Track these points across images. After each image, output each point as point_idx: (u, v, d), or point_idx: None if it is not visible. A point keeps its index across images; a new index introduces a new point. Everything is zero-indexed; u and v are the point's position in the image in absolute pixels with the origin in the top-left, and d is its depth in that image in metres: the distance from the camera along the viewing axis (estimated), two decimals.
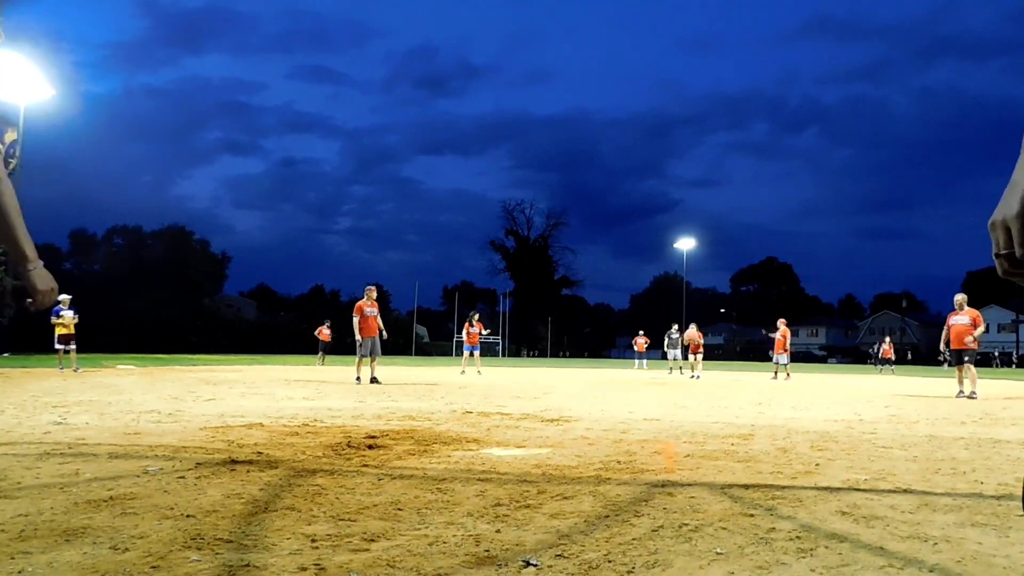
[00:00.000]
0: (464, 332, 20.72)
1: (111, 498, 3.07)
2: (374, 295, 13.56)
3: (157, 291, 54.94)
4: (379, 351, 13.45)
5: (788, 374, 20.22)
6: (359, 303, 13.42)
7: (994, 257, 0.95)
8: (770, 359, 20.91)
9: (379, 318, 13.55)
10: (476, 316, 20.79)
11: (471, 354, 20.20)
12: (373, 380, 12.99)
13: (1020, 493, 3.33)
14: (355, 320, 13.21)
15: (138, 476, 3.60)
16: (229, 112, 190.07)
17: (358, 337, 13.13)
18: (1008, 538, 2.66)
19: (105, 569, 2.13)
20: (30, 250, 1.91)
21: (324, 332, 26.79)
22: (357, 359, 13.29)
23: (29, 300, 1.98)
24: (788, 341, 20.30)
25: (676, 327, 24.28)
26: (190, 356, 32.35)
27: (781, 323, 20.57)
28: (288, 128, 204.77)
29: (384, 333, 13.58)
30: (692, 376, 19.36)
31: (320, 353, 26.86)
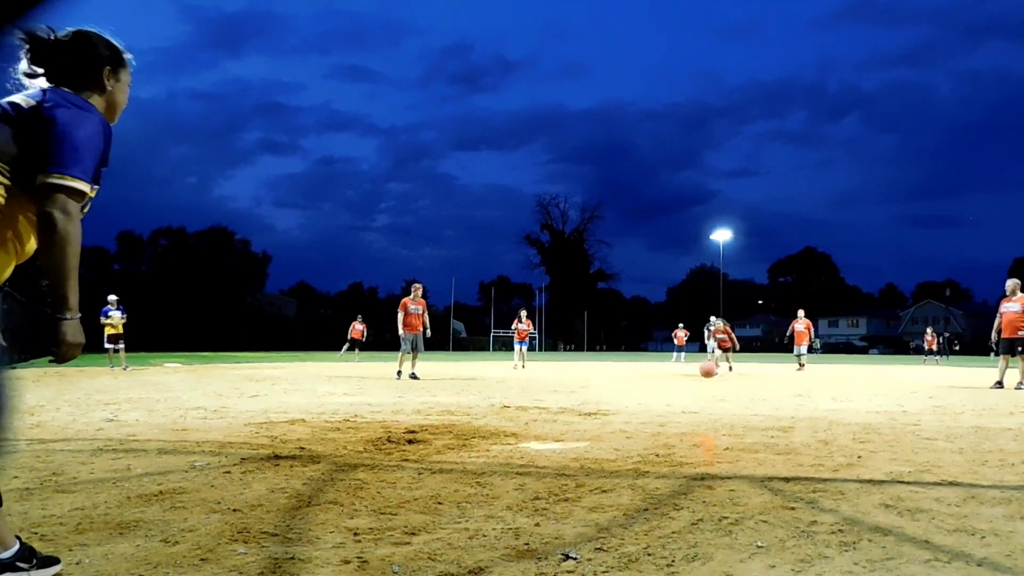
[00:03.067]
0: (514, 328, 21.65)
1: (161, 492, 3.17)
2: (419, 292, 13.66)
3: (201, 290, 56.19)
4: (421, 348, 13.53)
5: (803, 365, 19.84)
6: (404, 299, 13.55)
7: None
8: (792, 351, 20.50)
9: (425, 315, 13.64)
10: (524, 313, 21.42)
11: (521, 350, 20.87)
12: (413, 376, 13.10)
13: None
14: (399, 316, 13.33)
15: (186, 471, 3.70)
16: (268, 113, 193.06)
17: (401, 332, 13.26)
18: None
19: (157, 561, 2.20)
20: (74, 298, 1.80)
21: (356, 328, 26.78)
22: (400, 354, 13.42)
23: (53, 350, 1.80)
24: (812, 332, 20.01)
25: (714, 318, 23.95)
26: (234, 354, 33.03)
27: (801, 313, 20.18)
28: (326, 127, 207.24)
29: (428, 331, 13.67)
30: (729, 367, 18.56)
31: (346, 347, 26.86)
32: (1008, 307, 11.61)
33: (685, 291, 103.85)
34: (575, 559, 2.26)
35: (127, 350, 16.94)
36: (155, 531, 2.53)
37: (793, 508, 2.96)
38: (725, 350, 19.24)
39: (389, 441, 4.84)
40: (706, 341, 24.96)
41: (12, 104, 1.79)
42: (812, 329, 20.07)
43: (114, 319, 16.69)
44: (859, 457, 4.30)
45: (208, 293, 56.14)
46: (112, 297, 16.99)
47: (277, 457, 4.10)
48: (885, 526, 2.66)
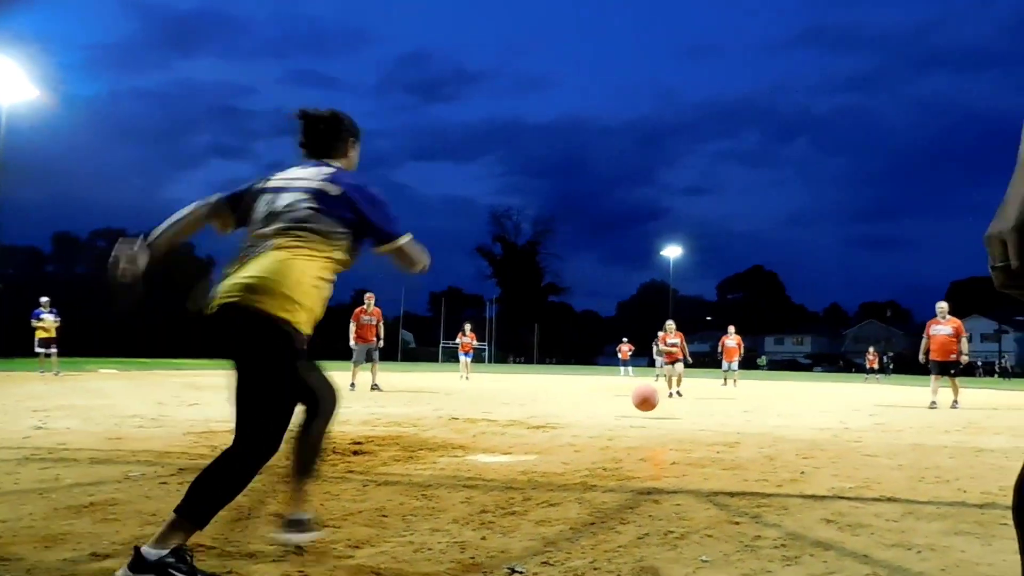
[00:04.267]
0: (458, 340, 21.88)
1: (92, 504, 3.03)
2: (372, 302, 13.55)
3: (141, 294, 54.51)
4: (375, 358, 13.43)
5: (736, 381, 20.14)
6: (357, 310, 13.45)
7: (990, 269, 0.96)
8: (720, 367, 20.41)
9: (380, 325, 13.54)
10: (469, 326, 21.58)
11: (466, 361, 21.24)
12: (375, 387, 13.00)
13: (1004, 502, 3.35)
14: (352, 326, 13.22)
15: (120, 482, 3.56)
16: (220, 116, 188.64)
17: (353, 343, 13.16)
18: (992, 546, 2.67)
19: (86, 575, 2.10)
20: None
21: None
22: (352, 365, 13.29)
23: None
24: (742, 349, 20.09)
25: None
26: (174, 360, 32.07)
27: (731, 329, 20.44)
28: (279, 132, 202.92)
29: (381, 341, 13.58)
30: (670, 393, 13.20)
31: None
32: (939, 329, 12.02)
33: (635, 306, 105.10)
34: (521, 573, 2.24)
35: (60, 355, 16.30)
36: (84, 544, 2.42)
37: (738, 523, 2.99)
38: (674, 362, 14.31)
39: (334, 452, 4.75)
40: (655, 355, 24.99)
41: (322, 191, 2.32)
42: (743, 346, 20.33)
43: (46, 322, 16.07)
44: (803, 473, 4.38)
45: (148, 297, 54.51)
46: (44, 299, 16.34)
47: None
48: (827, 541, 2.71)
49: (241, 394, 2.19)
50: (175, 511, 2.04)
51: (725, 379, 20.24)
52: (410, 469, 4.19)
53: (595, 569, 2.31)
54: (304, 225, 2.27)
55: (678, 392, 13.39)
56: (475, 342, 22.09)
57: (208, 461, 2.12)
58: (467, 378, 20.34)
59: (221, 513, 2.94)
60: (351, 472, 4.04)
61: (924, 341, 12.24)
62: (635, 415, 8.19)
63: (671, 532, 2.80)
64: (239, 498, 3.23)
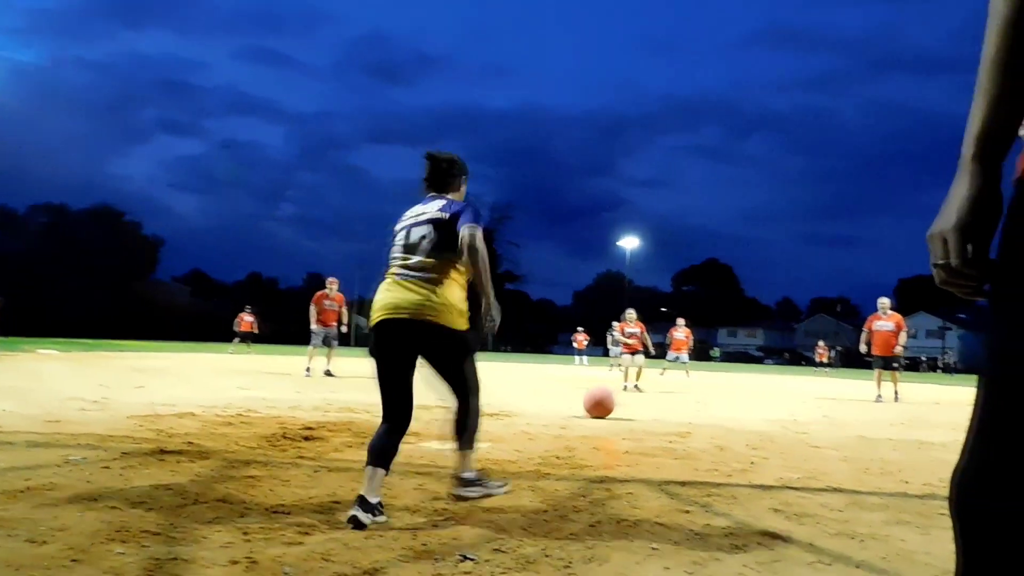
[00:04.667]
0: None
1: (29, 488, 2.92)
2: (335, 287, 13.33)
3: (83, 273, 52.68)
4: (335, 343, 13.20)
5: (688, 372, 20.15)
6: (319, 292, 13.24)
7: (932, 267, 0.99)
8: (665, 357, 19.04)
9: (343, 309, 13.32)
10: None
11: None
12: (328, 373, 12.74)
13: (944, 493, 3.47)
14: (312, 309, 12.97)
15: (59, 466, 3.43)
16: (169, 90, 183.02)
17: (314, 327, 12.91)
18: (930, 536, 2.77)
19: (21, 563, 2.02)
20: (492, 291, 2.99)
21: (245, 320, 24.34)
22: (310, 349, 13.04)
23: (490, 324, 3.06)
24: (691, 341, 19.36)
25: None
26: (118, 342, 31.15)
27: (681, 322, 19.94)
28: (232, 110, 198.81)
29: (344, 327, 13.39)
30: (624, 386, 12.23)
31: (235, 341, 24.40)
32: (881, 325, 12.34)
33: (591, 295, 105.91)
34: (473, 560, 2.23)
35: None
36: (20, 530, 2.32)
37: (688, 511, 3.04)
38: (634, 353, 12.79)
39: (285, 437, 4.67)
40: (609, 346, 24.71)
41: (439, 220, 3.00)
42: (692, 338, 20.25)
43: None
44: (752, 463, 4.47)
45: (91, 276, 52.72)
46: None
47: (163, 452, 3.87)
48: (774, 529, 2.77)
49: (448, 375, 3.12)
50: (457, 447, 3.14)
51: (664, 369, 20.30)
52: (362, 455, 4.10)
53: (547, 556, 2.31)
54: (434, 252, 2.96)
55: (636, 386, 12.32)
56: None
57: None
58: None
59: (166, 498, 2.87)
60: (302, 458, 3.98)
61: (864, 334, 12.56)
62: None
63: (623, 520, 2.82)
64: (185, 483, 3.16)
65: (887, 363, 12.19)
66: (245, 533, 2.41)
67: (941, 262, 0.97)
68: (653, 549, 2.44)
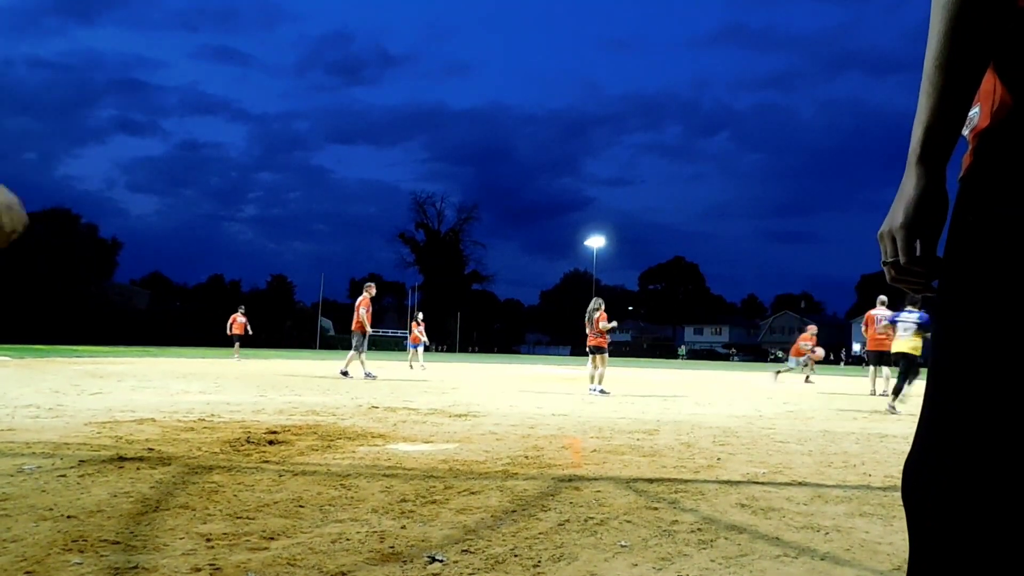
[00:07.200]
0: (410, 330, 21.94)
1: None
2: (374, 291, 13.82)
3: (36, 278, 51.26)
4: (365, 346, 13.64)
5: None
6: (365, 297, 13.57)
7: (882, 265, 1.01)
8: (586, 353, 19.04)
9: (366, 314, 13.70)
10: (420, 316, 21.55)
11: (415, 351, 21.26)
12: (368, 375, 13.31)
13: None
14: (365, 314, 13.15)
15: (12, 475, 3.32)
16: (125, 90, 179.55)
17: (368, 330, 13.15)
18: (892, 527, 2.82)
19: None
20: None
21: (238, 321, 23.45)
22: (361, 355, 13.41)
23: None
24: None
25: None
26: (73, 347, 30.34)
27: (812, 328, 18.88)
28: (191, 110, 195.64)
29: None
30: (591, 389, 11.12)
31: (236, 346, 23.40)
32: (878, 316, 12.52)
33: (558, 295, 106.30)
34: (441, 561, 2.22)
35: None
36: None
37: (656, 508, 3.05)
38: (596, 351, 11.51)
39: (248, 442, 4.59)
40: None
41: None
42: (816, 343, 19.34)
43: None
44: (719, 459, 4.52)
45: (44, 279, 51.28)
46: None
47: (122, 459, 3.77)
48: (740, 524, 2.80)
49: None
50: None
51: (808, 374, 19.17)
52: (328, 459, 4.09)
53: (515, 556, 2.31)
54: None
55: (602, 390, 11.05)
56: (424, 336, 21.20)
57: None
58: (411, 367, 20.17)
59: (125, 506, 2.79)
60: (266, 462, 3.92)
61: (871, 330, 12.69)
62: (556, 405, 8.26)
63: (591, 518, 2.83)
64: (145, 490, 3.08)
65: (882, 359, 12.37)
66: (208, 539, 2.36)
67: (891, 260, 0.99)
68: (622, 546, 2.45)
